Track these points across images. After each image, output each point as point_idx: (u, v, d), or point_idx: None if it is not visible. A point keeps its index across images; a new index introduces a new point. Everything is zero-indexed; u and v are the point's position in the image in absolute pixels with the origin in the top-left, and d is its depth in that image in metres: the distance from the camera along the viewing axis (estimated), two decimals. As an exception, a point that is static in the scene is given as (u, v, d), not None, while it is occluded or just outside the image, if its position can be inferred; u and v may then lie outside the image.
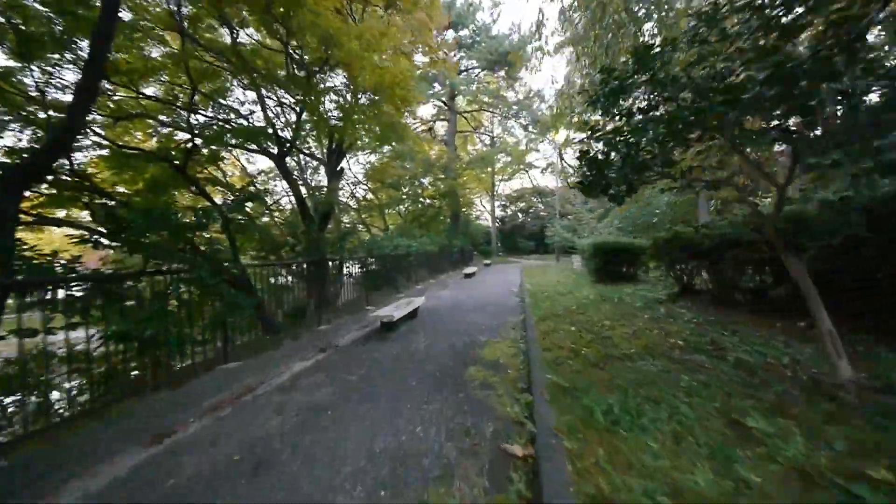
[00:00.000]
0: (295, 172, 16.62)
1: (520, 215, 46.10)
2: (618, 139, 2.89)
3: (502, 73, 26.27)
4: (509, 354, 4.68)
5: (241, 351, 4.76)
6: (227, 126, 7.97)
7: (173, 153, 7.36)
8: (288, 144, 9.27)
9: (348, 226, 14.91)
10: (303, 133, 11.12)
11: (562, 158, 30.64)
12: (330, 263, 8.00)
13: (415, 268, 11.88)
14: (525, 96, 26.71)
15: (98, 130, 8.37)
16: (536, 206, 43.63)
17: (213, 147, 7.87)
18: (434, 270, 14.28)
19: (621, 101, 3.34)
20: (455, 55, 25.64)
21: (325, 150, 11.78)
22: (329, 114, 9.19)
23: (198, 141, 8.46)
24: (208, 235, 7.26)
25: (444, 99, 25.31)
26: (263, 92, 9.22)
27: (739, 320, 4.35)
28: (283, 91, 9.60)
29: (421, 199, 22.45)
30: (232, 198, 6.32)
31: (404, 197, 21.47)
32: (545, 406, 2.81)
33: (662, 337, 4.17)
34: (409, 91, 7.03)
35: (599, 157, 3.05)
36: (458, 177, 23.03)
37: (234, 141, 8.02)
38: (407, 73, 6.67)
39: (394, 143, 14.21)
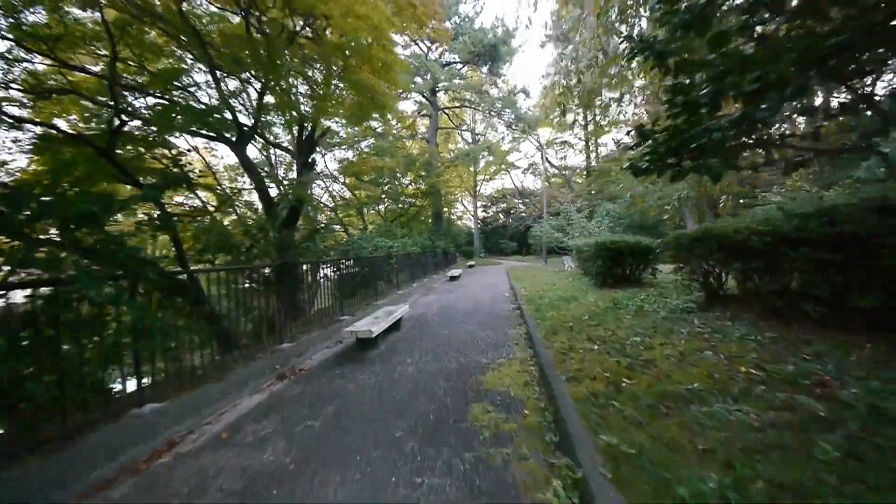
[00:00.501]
0: (266, 170, 15.26)
1: (501, 216, 45.44)
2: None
3: (486, 68, 25.40)
4: (521, 383, 3.66)
5: (173, 384, 3.58)
6: (172, 105, 6.67)
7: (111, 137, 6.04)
8: (248, 130, 8.04)
9: (322, 224, 13.66)
10: (267, 118, 9.92)
11: (545, 158, 30.02)
12: (305, 267, 6.88)
13: (396, 270, 10.77)
14: (510, 91, 25.87)
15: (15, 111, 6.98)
16: (517, 208, 42.99)
17: (155, 131, 6.57)
18: (417, 273, 13.19)
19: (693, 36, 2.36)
20: (437, 48, 24.65)
21: (295, 141, 10.57)
22: (297, 93, 8.04)
23: (136, 123, 7.14)
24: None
25: (425, 93, 24.24)
26: (224, 71, 7.97)
27: (810, 338, 3.47)
28: (247, 73, 8.36)
29: (402, 198, 21.32)
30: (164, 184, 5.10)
31: (383, 195, 20.28)
32: (610, 493, 1.79)
33: (724, 363, 3.21)
34: (389, 53, 5.90)
35: (700, 100, 2.04)
36: (441, 174, 22.00)
37: (181, 124, 6.73)
38: (386, 25, 5.48)
39: (373, 130, 13.06)
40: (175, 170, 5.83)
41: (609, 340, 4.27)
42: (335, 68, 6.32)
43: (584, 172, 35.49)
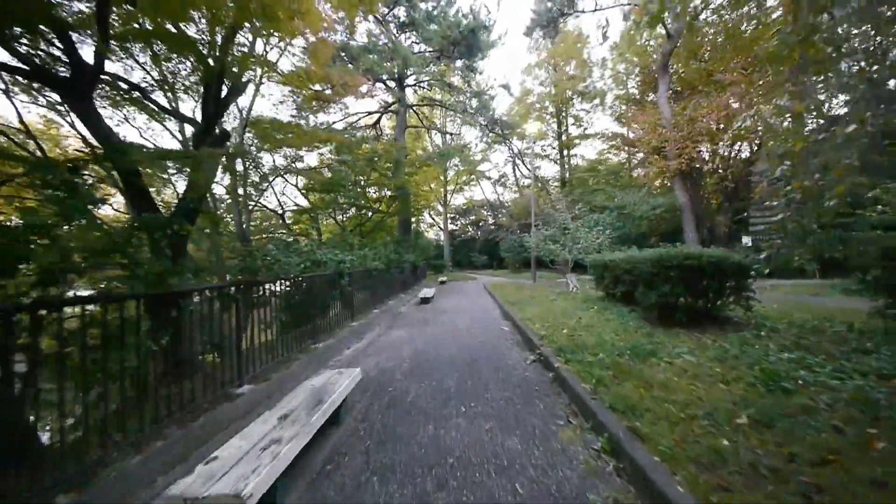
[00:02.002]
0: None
1: (470, 228, 42.98)
2: None
3: (460, 62, 22.85)
4: None
5: None
6: None
7: None
8: (93, 67, 4.73)
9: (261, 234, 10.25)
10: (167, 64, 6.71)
11: (522, 161, 27.80)
12: (222, 293, 3.72)
13: (350, 293, 7.60)
14: (489, 88, 23.41)
15: None
16: (487, 220, 40.60)
17: None
18: (380, 295, 10.03)
19: None
20: (406, 36, 21.88)
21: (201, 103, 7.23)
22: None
23: None
24: None
25: (391, 83, 21.32)
26: None
27: None
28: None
29: (362, 201, 18.10)
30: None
31: (342, 200, 16.95)
32: None
33: None
34: None
35: None
36: (413, 174, 19.02)
37: None
38: None
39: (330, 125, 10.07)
40: None
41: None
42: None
43: (560, 182, 33.75)
